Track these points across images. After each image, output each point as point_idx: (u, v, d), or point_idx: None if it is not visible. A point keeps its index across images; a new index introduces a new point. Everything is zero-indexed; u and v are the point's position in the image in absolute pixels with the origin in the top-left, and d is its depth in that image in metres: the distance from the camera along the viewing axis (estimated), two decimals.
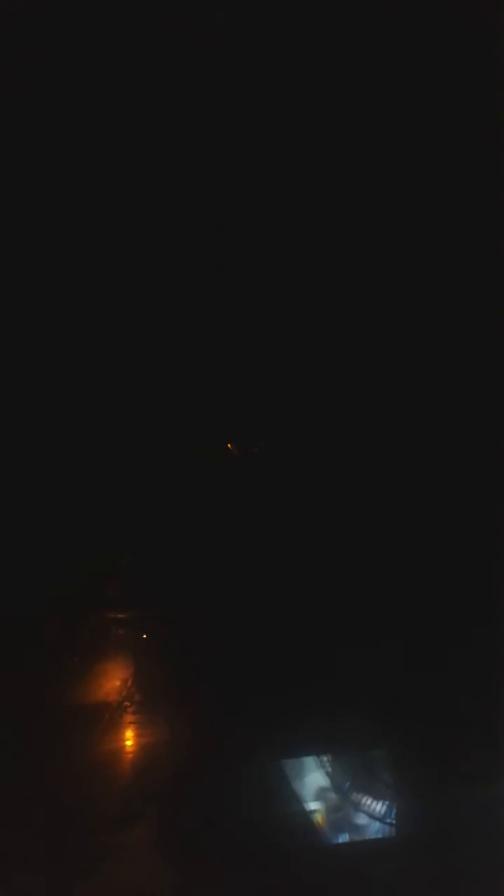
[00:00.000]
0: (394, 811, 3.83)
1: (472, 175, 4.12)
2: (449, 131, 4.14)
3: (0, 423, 4.67)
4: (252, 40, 4.18)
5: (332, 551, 4.49)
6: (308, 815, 3.93)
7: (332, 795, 3.97)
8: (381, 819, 3.82)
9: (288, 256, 4.62)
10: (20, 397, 4.75)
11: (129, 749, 4.10)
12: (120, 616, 4.61)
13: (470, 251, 4.21)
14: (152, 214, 4.68)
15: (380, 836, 3.82)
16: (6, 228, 4.52)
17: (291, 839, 3.77)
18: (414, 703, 3.99)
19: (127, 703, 4.24)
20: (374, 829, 3.83)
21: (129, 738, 4.13)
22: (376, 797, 3.86)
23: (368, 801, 3.87)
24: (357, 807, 3.89)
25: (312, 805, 3.95)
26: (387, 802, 3.84)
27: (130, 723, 4.19)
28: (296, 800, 3.94)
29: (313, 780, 4.03)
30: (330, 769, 4.04)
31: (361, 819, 3.86)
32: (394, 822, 3.81)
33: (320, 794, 3.98)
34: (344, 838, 3.88)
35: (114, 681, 4.37)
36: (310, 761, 4.07)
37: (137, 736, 4.14)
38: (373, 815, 3.84)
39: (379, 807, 3.84)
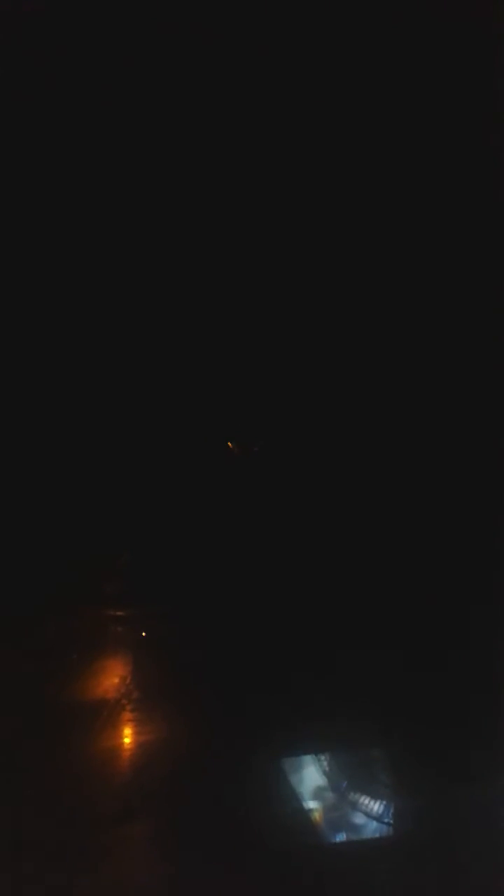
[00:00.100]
0: (391, 811, 3.80)
1: (472, 175, 4.13)
2: (449, 131, 4.15)
3: (1, 423, 4.69)
4: (252, 40, 4.20)
5: (331, 550, 4.49)
6: (306, 813, 3.91)
7: (330, 794, 3.94)
8: (378, 819, 3.79)
9: (288, 257, 4.64)
10: (21, 397, 4.77)
11: (127, 746, 4.09)
12: (119, 613, 4.61)
13: (470, 251, 4.21)
14: (154, 215, 4.70)
15: (377, 835, 3.79)
16: (8, 229, 4.55)
17: (289, 838, 3.75)
18: (412, 702, 3.98)
19: (125, 701, 4.24)
20: (372, 829, 3.80)
21: (128, 736, 4.13)
22: (374, 797, 3.84)
23: (366, 801, 3.84)
24: (355, 806, 3.86)
25: (310, 804, 3.93)
26: (384, 802, 3.81)
27: (129, 720, 4.18)
28: (294, 799, 3.91)
29: (311, 779, 4.01)
30: (328, 768, 4.02)
31: (359, 818, 3.84)
32: (391, 821, 3.78)
33: (318, 793, 3.95)
34: (341, 837, 3.85)
35: (112, 678, 4.36)
36: (308, 760, 4.04)
37: (136, 733, 4.13)
38: (370, 814, 3.81)
39: (377, 806, 3.82)
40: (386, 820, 3.80)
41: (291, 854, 3.67)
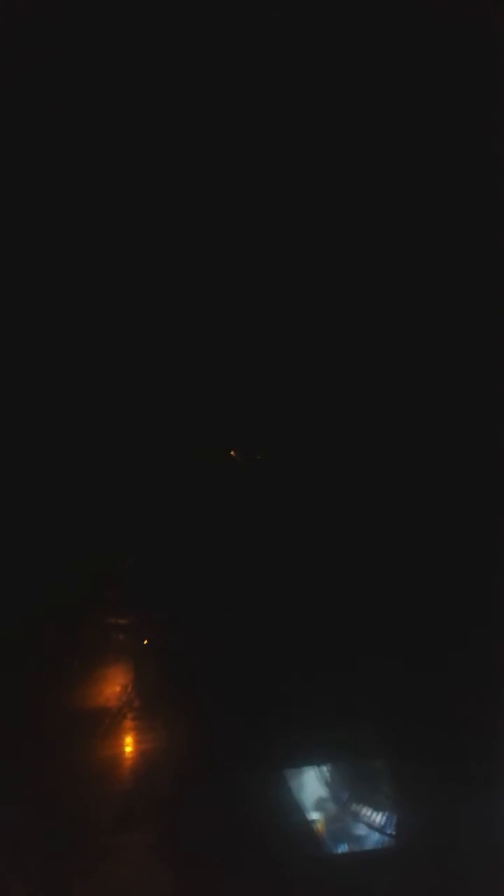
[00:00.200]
0: (393, 822, 3.78)
1: (472, 175, 4.08)
2: (449, 131, 4.10)
3: (2, 427, 4.69)
4: (252, 40, 4.17)
5: (333, 561, 4.46)
6: (308, 824, 3.90)
7: (332, 806, 3.93)
8: (380, 830, 3.77)
9: (289, 264, 4.61)
10: (23, 402, 4.77)
11: (128, 755, 4.10)
12: (120, 621, 4.61)
13: (470, 252, 4.16)
14: (154, 220, 4.68)
15: (379, 846, 3.77)
16: (8, 230, 4.55)
17: (290, 848, 3.74)
18: (414, 713, 3.95)
19: (126, 710, 4.23)
20: (374, 840, 3.78)
21: (129, 745, 4.13)
22: (376, 808, 3.82)
23: (368, 812, 3.83)
24: (356, 817, 3.85)
25: (312, 815, 3.91)
26: (386, 813, 3.79)
27: (130, 729, 4.18)
28: (295, 809, 3.90)
29: (313, 790, 3.99)
30: (329, 779, 4.00)
31: (361, 830, 3.82)
32: (393, 832, 3.76)
33: (320, 804, 3.94)
34: (343, 848, 3.84)
35: (114, 686, 4.36)
36: (309, 771, 4.03)
37: (137, 742, 4.13)
38: (372, 825, 3.79)
39: (378, 817, 3.80)
40: (388, 831, 3.78)
41: (293, 864, 3.66)
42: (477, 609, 4.00)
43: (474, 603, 4.01)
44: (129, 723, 4.19)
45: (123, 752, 4.09)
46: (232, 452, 4.94)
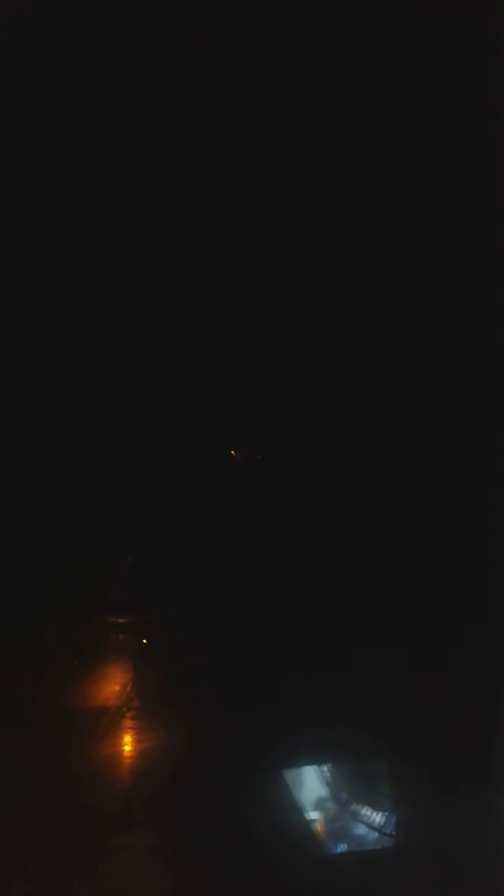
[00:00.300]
0: (392, 821, 3.77)
1: (471, 174, 4.07)
2: (449, 130, 4.10)
3: (5, 428, 4.69)
4: (253, 40, 4.16)
5: (333, 561, 4.46)
6: (307, 824, 3.88)
7: (332, 805, 3.92)
8: (379, 829, 3.76)
9: (288, 265, 4.61)
10: (25, 403, 4.77)
11: (127, 754, 4.09)
12: (120, 620, 4.61)
13: (470, 252, 4.16)
14: (155, 222, 4.69)
15: (378, 846, 3.75)
16: (11, 233, 4.55)
17: (289, 847, 3.72)
18: (414, 713, 3.94)
19: (126, 709, 4.23)
20: (373, 840, 3.77)
21: (128, 743, 4.12)
22: (375, 808, 3.80)
23: (367, 812, 3.81)
24: (355, 817, 3.83)
25: (312, 814, 3.90)
26: (385, 813, 3.78)
27: (129, 727, 4.18)
28: (295, 809, 3.89)
29: (312, 790, 3.98)
30: (329, 779, 3.99)
31: (360, 829, 3.81)
32: (392, 832, 3.74)
33: (319, 804, 3.93)
34: (343, 848, 3.82)
35: (113, 685, 4.36)
36: (309, 771, 4.02)
37: (136, 741, 4.13)
38: (371, 825, 3.78)
39: (377, 817, 3.78)
40: (386, 830, 3.77)
41: (292, 863, 3.65)
42: (477, 609, 3.99)
43: (474, 603, 4.01)
44: (128, 722, 4.19)
45: (122, 751, 4.08)
46: (232, 452, 4.94)
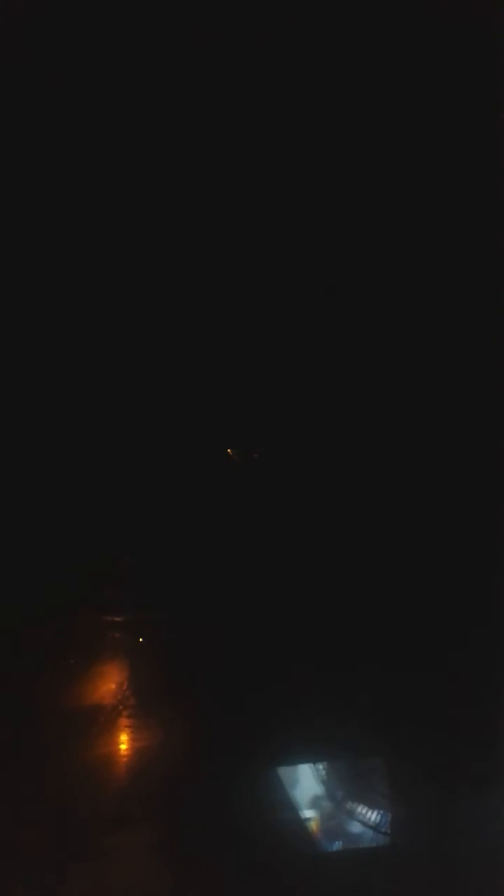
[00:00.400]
0: (388, 820, 3.78)
1: (472, 175, 4.09)
2: (449, 131, 4.11)
3: (2, 426, 4.69)
4: (251, 39, 4.17)
5: (331, 559, 4.47)
6: (302, 822, 3.89)
7: (328, 804, 3.93)
8: (375, 828, 3.77)
9: (287, 264, 4.62)
10: (22, 401, 4.77)
11: (124, 753, 4.09)
12: (117, 619, 4.61)
13: (470, 252, 4.17)
14: (154, 220, 4.69)
15: (374, 844, 3.77)
16: (9, 231, 4.55)
17: (285, 846, 3.73)
18: (410, 711, 3.95)
19: (122, 707, 4.23)
20: (369, 838, 3.78)
21: (125, 742, 4.12)
22: (371, 806, 3.82)
23: (363, 810, 3.83)
24: (351, 815, 3.85)
25: (307, 812, 3.91)
26: (381, 811, 3.79)
27: (126, 726, 4.18)
28: (290, 807, 3.90)
29: (310, 788, 3.99)
30: (326, 777, 4.00)
31: (356, 827, 3.82)
32: (388, 830, 3.76)
33: (315, 802, 3.94)
34: (339, 847, 3.84)
35: (109, 684, 4.36)
36: (306, 769, 4.03)
37: (132, 740, 4.13)
38: (367, 823, 3.79)
39: (373, 815, 3.80)
40: (382, 829, 3.78)
41: (289, 862, 3.65)
42: (477, 609, 4.00)
43: (474, 603, 4.02)
44: (124, 721, 4.19)
45: (119, 750, 4.08)
46: (229, 451, 4.94)
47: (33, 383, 4.81)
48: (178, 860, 3.57)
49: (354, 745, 3.99)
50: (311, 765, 4.00)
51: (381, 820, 3.77)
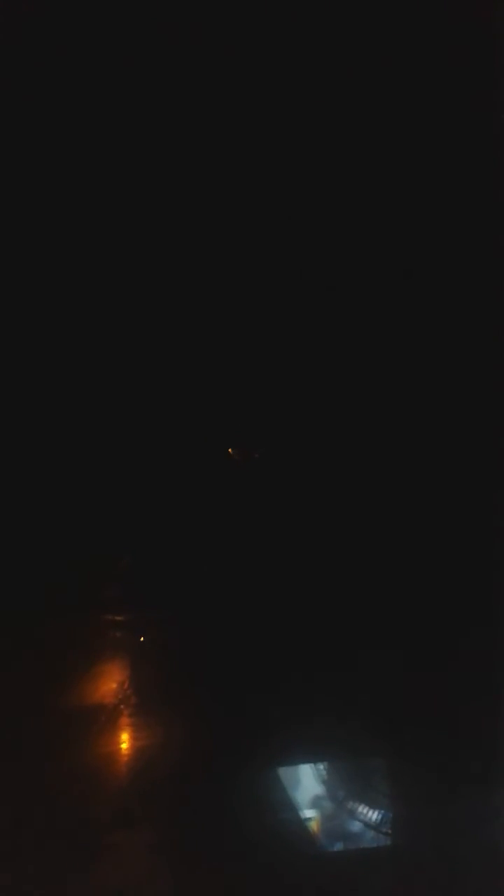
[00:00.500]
0: (389, 820, 3.78)
1: (472, 174, 4.09)
2: (448, 130, 4.11)
3: (4, 426, 4.70)
4: (252, 39, 4.18)
5: (331, 558, 4.47)
6: (303, 822, 3.89)
7: (328, 803, 3.92)
8: (376, 828, 3.77)
9: (287, 264, 4.62)
10: (23, 401, 4.78)
11: (125, 752, 4.09)
12: (118, 618, 4.61)
13: (470, 252, 4.17)
14: (155, 220, 4.69)
15: (375, 844, 3.77)
16: (10, 233, 4.56)
17: (286, 846, 3.73)
18: (411, 711, 3.95)
19: (123, 706, 4.23)
20: (370, 838, 3.78)
21: (126, 741, 4.12)
22: (371, 806, 3.82)
23: (364, 810, 3.82)
24: (352, 815, 3.84)
25: (307, 812, 3.91)
26: (382, 811, 3.79)
27: (127, 725, 4.18)
28: (290, 807, 3.90)
29: (310, 788, 3.99)
30: (327, 777, 4.00)
31: (356, 827, 3.82)
32: (389, 830, 3.76)
33: (315, 802, 3.94)
34: (339, 846, 3.83)
35: (110, 683, 4.37)
36: (307, 769, 4.03)
37: (134, 739, 4.13)
38: (368, 823, 3.79)
39: (374, 815, 3.80)
40: (383, 829, 3.78)
41: (290, 862, 3.65)
42: (477, 609, 4.00)
43: (474, 603, 4.01)
44: (125, 720, 4.19)
45: (120, 749, 4.08)
46: (230, 451, 4.94)
47: (34, 384, 4.81)
48: (178, 860, 3.57)
49: (355, 745, 3.99)
50: (312, 765, 4.00)
51: (381, 820, 3.77)
